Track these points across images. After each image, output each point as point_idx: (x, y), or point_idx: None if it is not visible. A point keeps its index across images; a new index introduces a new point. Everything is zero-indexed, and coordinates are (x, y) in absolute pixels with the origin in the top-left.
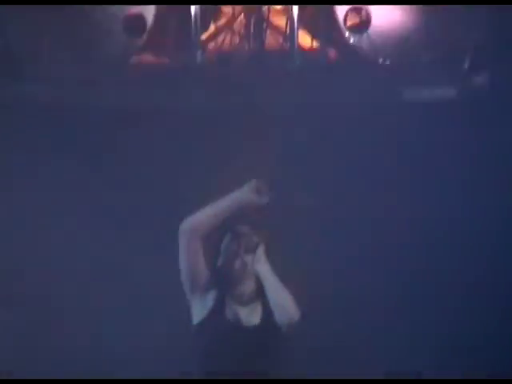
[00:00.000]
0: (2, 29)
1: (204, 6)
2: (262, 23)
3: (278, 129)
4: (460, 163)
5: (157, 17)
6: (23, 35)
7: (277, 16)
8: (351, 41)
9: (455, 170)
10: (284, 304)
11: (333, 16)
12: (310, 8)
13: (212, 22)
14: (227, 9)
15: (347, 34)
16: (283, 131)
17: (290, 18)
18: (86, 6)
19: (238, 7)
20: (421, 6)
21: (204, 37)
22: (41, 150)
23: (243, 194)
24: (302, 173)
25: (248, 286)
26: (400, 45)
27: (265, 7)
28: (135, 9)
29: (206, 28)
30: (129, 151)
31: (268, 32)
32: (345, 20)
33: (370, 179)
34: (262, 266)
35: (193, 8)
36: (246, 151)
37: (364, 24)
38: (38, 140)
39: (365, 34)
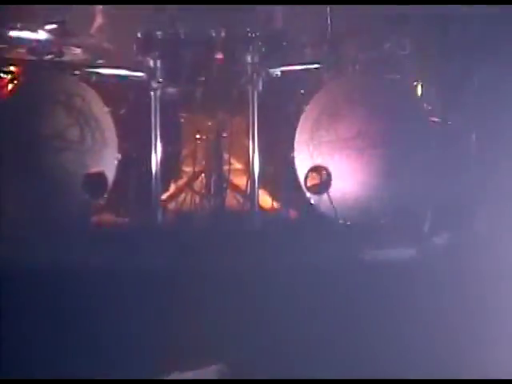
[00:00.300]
0: None
1: (163, 166)
2: (223, 183)
3: (236, 292)
4: None
5: (117, 176)
6: None
7: (238, 176)
8: (312, 201)
9: None
10: None
11: (294, 176)
12: (270, 168)
13: (172, 181)
14: (188, 168)
15: (308, 194)
16: (242, 294)
17: (250, 177)
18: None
19: (199, 166)
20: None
21: (164, 196)
22: None
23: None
24: (262, 338)
25: None
26: (360, 206)
27: (225, 167)
28: (96, 168)
29: (166, 188)
30: (86, 312)
31: (228, 192)
32: (305, 180)
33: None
34: None
35: (154, 167)
36: (204, 315)
37: (324, 184)
38: None
39: (325, 195)
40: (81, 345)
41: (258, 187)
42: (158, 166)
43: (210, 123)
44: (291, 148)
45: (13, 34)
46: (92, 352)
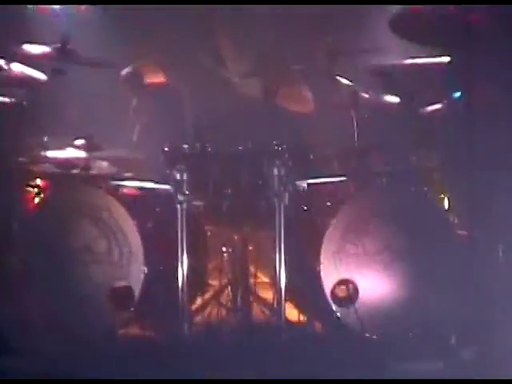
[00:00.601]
0: None
1: (190, 279)
2: (249, 296)
3: None
4: None
5: (143, 289)
6: None
7: (264, 289)
8: (338, 314)
9: None
10: None
11: (320, 289)
12: (297, 281)
13: (199, 294)
14: (214, 281)
15: (334, 307)
16: None
17: (277, 291)
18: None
19: (225, 279)
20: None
21: (192, 309)
22: None
23: None
24: None
25: None
26: (386, 320)
27: (252, 280)
28: (122, 282)
29: (193, 301)
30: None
31: (255, 305)
32: (332, 293)
33: None
34: None
35: (180, 280)
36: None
37: (351, 297)
38: None
39: (352, 308)
40: None
41: (285, 300)
42: (185, 279)
43: (236, 236)
44: (317, 261)
45: (41, 149)
46: None
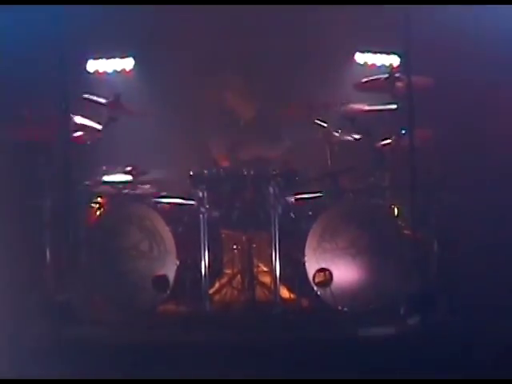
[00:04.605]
0: None
1: (210, 269)
2: (253, 281)
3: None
4: None
5: (176, 277)
6: None
7: (264, 276)
8: (318, 293)
9: None
10: None
11: (305, 276)
12: (288, 270)
13: (217, 280)
14: (228, 270)
15: (315, 288)
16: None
17: (273, 277)
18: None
19: (236, 269)
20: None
21: (211, 291)
22: None
23: None
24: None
25: None
26: (353, 297)
27: (255, 269)
28: (161, 271)
29: (212, 285)
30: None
31: (258, 287)
32: (313, 278)
33: None
34: None
35: (203, 270)
36: None
37: (327, 281)
38: None
39: (328, 289)
40: None
41: (279, 284)
42: (206, 269)
43: (243, 237)
44: (302, 255)
45: (100, 175)
46: None
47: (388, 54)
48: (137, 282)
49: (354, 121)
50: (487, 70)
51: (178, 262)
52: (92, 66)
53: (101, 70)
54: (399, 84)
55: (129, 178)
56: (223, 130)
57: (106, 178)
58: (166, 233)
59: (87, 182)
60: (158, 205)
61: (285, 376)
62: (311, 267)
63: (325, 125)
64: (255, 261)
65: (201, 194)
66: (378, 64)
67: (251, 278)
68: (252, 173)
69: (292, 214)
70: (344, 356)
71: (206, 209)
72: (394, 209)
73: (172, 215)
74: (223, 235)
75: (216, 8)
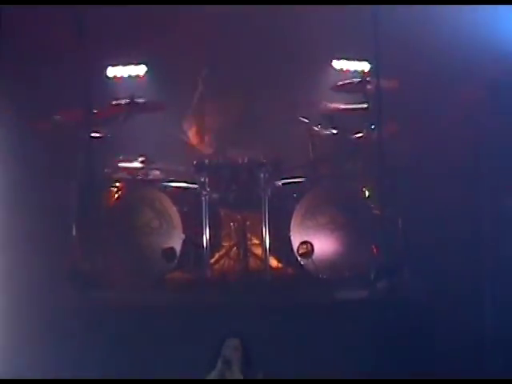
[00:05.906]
0: None
1: (211, 242)
2: (247, 253)
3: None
4: None
5: (182, 250)
6: None
7: (256, 248)
8: (302, 263)
9: None
10: None
11: (290, 248)
12: (276, 243)
13: (216, 251)
14: (226, 243)
15: (299, 258)
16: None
17: (264, 249)
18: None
19: (232, 242)
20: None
21: (211, 261)
22: None
23: None
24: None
25: None
26: (332, 265)
27: (248, 243)
28: (169, 244)
29: (213, 256)
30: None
31: (251, 258)
32: (297, 250)
33: None
34: None
35: (205, 243)
36: None
37: (310, 252)
38: None
39: (310, 259)
40: None
41: (269, 255)
42: (208, 243)
43: (238, 216)
44: (288, 230)
45: (118, 163)
46: None
47: (360, 60)
48: (149, 253)
49: (331, 117)
50: (449, 70)
51: (183, 237)
52: (111, 71)
53: (118, 75)
54: (369, 86)
55: (141, 165)
56: (220, 127)
57: (122, 166)
58: (173, 212)
59: (107, 170)
60: (167, 188)
61: (272, 329)
62: (295, 241)
63: (307, 121)
64: (248, 235)
65: (202, 179)
66: (352, 69)
67: (245, 250)
68: (246, 161)
69: (279, 196)
70: (324, 315)
71: (207, 192)
72: (365, 191)
73: (178, 197)
74: (221, 214)
75: (201, 10)
